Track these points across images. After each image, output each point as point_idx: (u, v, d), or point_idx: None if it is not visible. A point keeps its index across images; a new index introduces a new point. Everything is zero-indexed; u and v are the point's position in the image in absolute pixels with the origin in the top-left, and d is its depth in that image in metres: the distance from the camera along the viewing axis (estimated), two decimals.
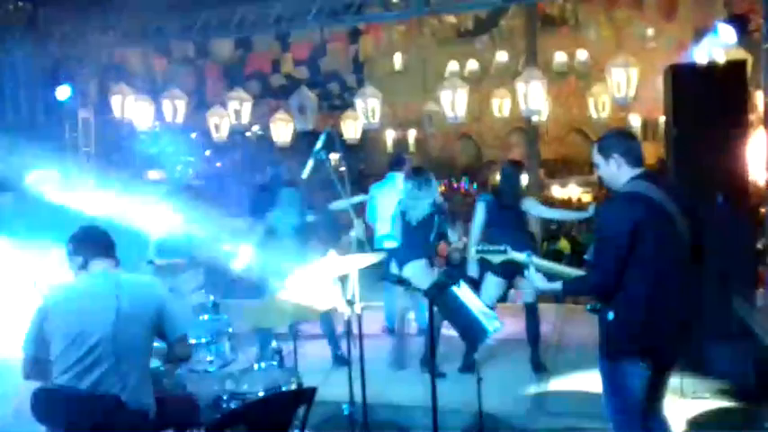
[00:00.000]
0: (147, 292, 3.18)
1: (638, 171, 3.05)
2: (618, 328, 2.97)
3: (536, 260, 3.27)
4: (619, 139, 3.14)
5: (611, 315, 2.98)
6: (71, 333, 2.95)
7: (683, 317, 3.00)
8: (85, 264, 3.16)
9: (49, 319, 3.00)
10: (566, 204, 19.11)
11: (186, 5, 7.70)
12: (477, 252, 3.49)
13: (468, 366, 5.24)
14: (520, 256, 3.32)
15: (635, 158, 3.07)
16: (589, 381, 4.40)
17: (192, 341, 4.00)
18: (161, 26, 7.93)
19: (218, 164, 16.28)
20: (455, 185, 21.54)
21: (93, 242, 3.22)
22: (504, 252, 3.39)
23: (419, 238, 5.43)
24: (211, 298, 4.80)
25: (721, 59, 5.89)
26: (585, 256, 3.42)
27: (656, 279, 2.91)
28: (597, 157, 3.14)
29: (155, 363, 3.38)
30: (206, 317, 4.56)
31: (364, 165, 18.51)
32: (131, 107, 9.02)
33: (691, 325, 3.02)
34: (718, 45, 6.51)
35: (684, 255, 2.98)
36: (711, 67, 5.50)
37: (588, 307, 3.13)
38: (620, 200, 3.08)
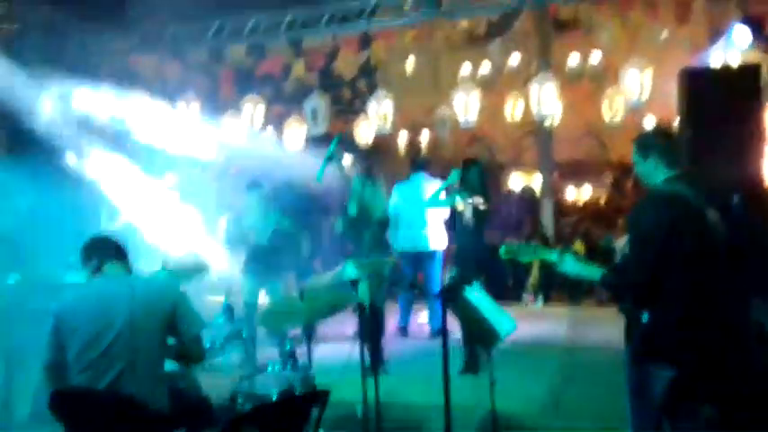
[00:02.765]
0: (161, 292, 3.22)
1: (674, 172, 3.03)
2: (651, 331, 2.94)
3: (568, 257, 3.18)
4: (659, 139, 3.13)
5: (644, 317, 2.94)
6: (87, 334, 2.99)
7: (719, 321, 2.95)
8: (99, 266, 3.20)
9: (65, 322, 3.04)
10: (580, 209, 18.99)
11: (201, 12, 7.78)
12: (507, 251, 3.40)
13: (470, 368, 5.25)
14: (550, 255, 3.26)
15: (673, 159, 3.05)
16: (602, 383, 4.38)
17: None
18: (176, 32, 8.01)
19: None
20: None
21: (106, 246, 3.28)
22: (534, 251, 3.36)
23: None
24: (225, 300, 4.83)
25: (736, 62, 5.87)
26: (618, 261, 3.39)
27: (692, 281, 2.88)
28: (635, 155, 3.13)
29: (170, 364, 3.41)
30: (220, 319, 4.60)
31: (377, 168, 18.52)
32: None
33: (728, 330, 2.97)
34: (733, 48, 6.48)
35: (720, 256, 2.95)
36: (726, 69, 5.48)
37: (621, 308, 3.11)
38: (653, 199, 3.05)
